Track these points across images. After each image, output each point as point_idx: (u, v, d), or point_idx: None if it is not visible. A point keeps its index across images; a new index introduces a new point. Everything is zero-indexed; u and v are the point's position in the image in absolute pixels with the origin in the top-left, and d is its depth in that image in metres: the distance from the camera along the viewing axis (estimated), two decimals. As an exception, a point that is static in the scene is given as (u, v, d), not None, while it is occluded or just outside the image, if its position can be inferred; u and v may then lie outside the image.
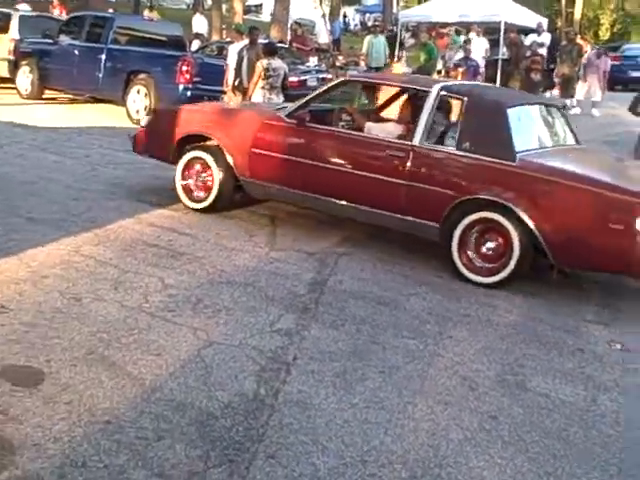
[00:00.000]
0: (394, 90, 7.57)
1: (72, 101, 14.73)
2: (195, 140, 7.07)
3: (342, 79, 7.75)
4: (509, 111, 6.02)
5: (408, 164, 5.99)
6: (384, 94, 7.88)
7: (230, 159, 6.83)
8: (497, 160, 5.73)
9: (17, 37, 15.07)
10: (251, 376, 4.00)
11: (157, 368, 3.98)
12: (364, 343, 4.59)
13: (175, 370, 3.98)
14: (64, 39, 14.13)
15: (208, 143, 7.02)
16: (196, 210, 7.05)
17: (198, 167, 7.02)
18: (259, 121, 6.85)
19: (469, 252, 5.86)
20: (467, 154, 5.85)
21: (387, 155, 6.12)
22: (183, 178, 7.10)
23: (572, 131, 6.97)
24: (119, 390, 3.71)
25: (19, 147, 9.38)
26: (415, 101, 6.74)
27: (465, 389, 4.09)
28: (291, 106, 6.91)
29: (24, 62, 14.46)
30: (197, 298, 5.01)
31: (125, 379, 3.82)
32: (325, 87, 7.14)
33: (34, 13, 17.01)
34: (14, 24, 15.39)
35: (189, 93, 12.04)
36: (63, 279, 5.09)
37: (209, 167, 6.93)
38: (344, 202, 6.33)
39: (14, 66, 14.64)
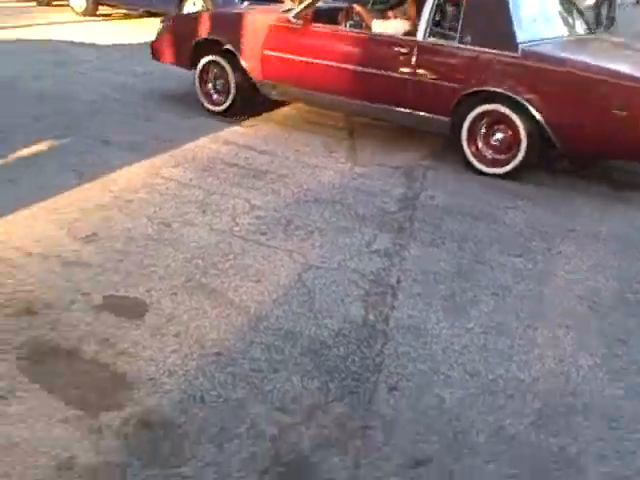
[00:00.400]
0: None
1: (126, 17, 14.38)
2: (211, 45, 7.12)
3: None
4: (510, 0, 5.83)
5: (413, 60, 6.04)
6: None
7: (243, 62, 6.96)
8: (499, 52, 5.72)
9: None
10: (357, 301, 3.83)
11: (259, 295, 3.83)
12: (468, 262, 4.37)
13: (278, 297, 3.83)
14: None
15: (223, 47, 7.07)
16: (216, 113, 7.21)
17: (215, 71, 7.19)
18: (268, 23, 6.89)
19: (479, 144, 5.95)
20: (469, 47, 5.85)
21: (392, 52, 6.15)
22: (201, 83, 7.28)
23: (584, 20, 6.89)
24: (224, 319, 3.58)
25: (81, 67, 9.16)
26: None
27: (585, 310, 3.87)
28: (298, 7, 6.92)
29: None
30: (287, 219, 4.83)
31: (229, 308, 3.69)
32: None
33: None
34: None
35: (245, 3, 11.61)
36: (148, 203, 4.94)
37: (225, 71, 7.07)
38: (357, 100, 6.45)
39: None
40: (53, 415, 2.84)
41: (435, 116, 6.05)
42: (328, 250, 4.41)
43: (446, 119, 6.00)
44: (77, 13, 13.96)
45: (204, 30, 7.20)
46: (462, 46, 5.87)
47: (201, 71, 7.26)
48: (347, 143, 6.64)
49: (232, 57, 7.00)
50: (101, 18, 14.02)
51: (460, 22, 5.90)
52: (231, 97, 7.12)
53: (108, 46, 10.82)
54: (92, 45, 10.79)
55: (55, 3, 14.88)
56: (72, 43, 10.84)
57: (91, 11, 13.90)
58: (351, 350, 3.39)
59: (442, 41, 6.01)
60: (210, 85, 7.27)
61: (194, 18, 7.53)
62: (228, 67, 7.04)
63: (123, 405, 2.93)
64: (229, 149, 6.22)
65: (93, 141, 6.20)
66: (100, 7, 14.02)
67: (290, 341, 3.43)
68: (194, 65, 7.30)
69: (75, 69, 8.91)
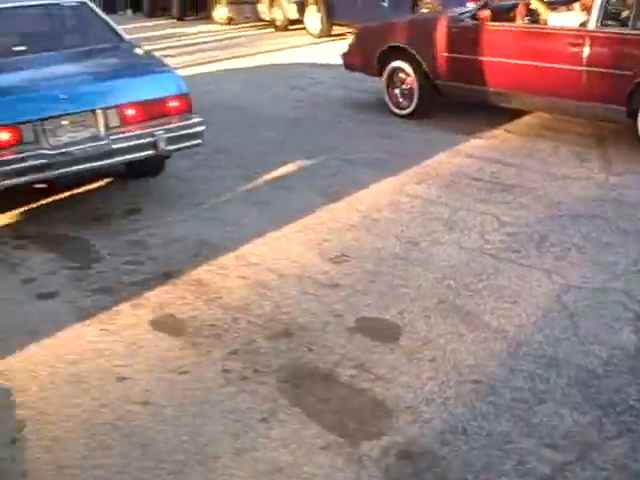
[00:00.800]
0: None
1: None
2: (395, 52, 7.40)
3: None
4: None
5: (586, 50, 5.91)
6: None
7: (425, 65, 7.15)
8: None
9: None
10: (626, 326, 3.50)
11: (516, 317, 3.62)
12: None
13: (537, 320, 3.60)
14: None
15: (406, 53, 7.31)
16: (402, 117, 7.47)
17: (400, 76, 7.45)
18: (444, 26, 7.06)
19: None
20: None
21: (567, 43, 6.06)
22: (388, 88, 7.58)
23: None
24: (481, 344, 3.41)
25: (318, 87, 9.41)
26: None
27: None
28: (473, 7, 7.12)
29: (311, 1, 14.60)
30: (540, 235, 4.56)
31: (485, 331, 3.51)
32: None
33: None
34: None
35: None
36: (395, 222, 4.90)
37: (409, 75, 7.33)
38: (537, 95, 6.43)
39: (301, 7, 14.85)
40: (314, 441, 2.83)
41: (611, 105, 5.93)
42: (589, 269, 4.09)
43: (622, 108, 5.84)
44: (313, 35, 14.45)
45: (388, 38, 7.53)
46: (635, 32, 5.70)
47: (387, 77, 7.57)
48: (598, 151, 6.19)
49: (414, 61, 7.24)
50: (336, 38, 14.39)
51: (634, 7, 5.75)
52: (415, 100, 7.35)
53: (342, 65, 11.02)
54: (328, 65, 11.03)
55: (292, 27, 15.50)
56: (309, 65, 11.20)
57: (326, 32, 14.32)
58: (625, 381, 3.08)
59: (615, 29, 5.86)
60: (397, 90, 7.53)
61: (378, 28, 7.94)
62: (411, 71, 7.28)
63: (382, 434, 2.85)
64: (472, 162, 6.04)
65: (338, 160, 6.30)
66: (334, 27, 14.39)
67: (554, 369, 3.19)
68: (381, 73, 7.63)
69: (313, 90, 9.16)
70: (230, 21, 17.78)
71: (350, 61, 8.13)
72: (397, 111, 7.54)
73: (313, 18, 14.53)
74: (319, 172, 6.02)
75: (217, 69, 11.45)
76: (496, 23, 6.71)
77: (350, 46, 8.14)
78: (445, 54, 7.00)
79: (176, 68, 11.12)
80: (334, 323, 3.68)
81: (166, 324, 3.78)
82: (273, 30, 15.84)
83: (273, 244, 4.68)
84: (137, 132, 5.18)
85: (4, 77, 5.33)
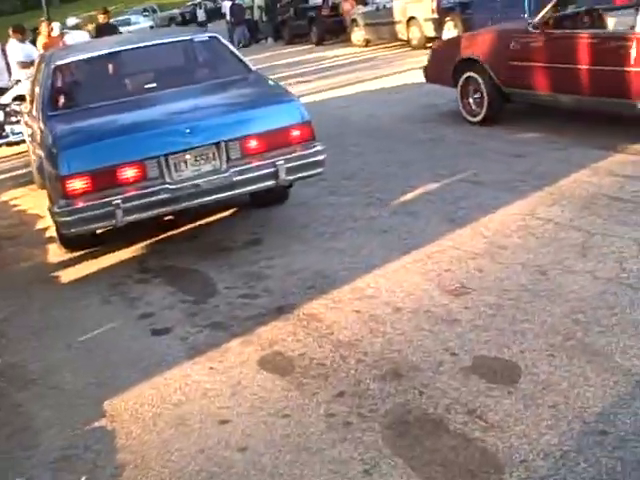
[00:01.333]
0: None
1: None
2: (468, 63, 7.87)
3: None
4: None
5: (633, 51, 6.02)
6: None
7: (492, 74, 7.57)
8: None
9: (437, -5, 15.04)
10: None
11: (653, 358, 3.24)
12: None
13: (677, 361, 3.20)
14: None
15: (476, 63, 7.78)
16: (474, 123, 7.86)
17: (472, 86, 7.87)
18: (509, 36, 7.49)
19: None
20: None
21: (618, 46, 6.23)
22: (462, 97, 8.03)
23: None
24: (611, 389, 3.06)
25: (456, 105, 9.09)
26: None
27: None
28: (536, 18, 7.31)
29: (448, 18, 14.36)
30: (688, 263, 4.11)
31: (616, 374, 3.16)
32: None
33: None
34: (435, -19, 15.40)
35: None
36: (523, 249, 4.58)
37: (480, 84, 7.72)
38: (593, 97, 6.59)
39: (438, 24, 14.63)
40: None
41: None
42: None
43: None
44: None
45: (460, 51, 8.09)
46: None
47: (461, 88, 8.01)
48: None
49: (484, 71, 7.67)
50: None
51: None
52: (485, 108, 7.77)
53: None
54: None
55: (429, 45, 15.24)
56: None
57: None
58: None
59: None
60: (470, 99, 7.97)
61: (451, 42, 8.70)
62: (481, 80, 7.69)
63: (491, 491, 2.59)
64: (612, 181, 5.59)
65: (466, 182, 6.03)
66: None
67: None
68: (456, 84, 8.07)
69: (446, 108, 8.85)
70: (367, 43, 17.81)
71: (430, 74, 8.75)
72: (470, 118, 7.99)
73: (451, 35, 14.24)
74: (445, 196, 5.78)
75: (351, 92, 11.41)
76: (551, 30, 7.01)
77: (429, 60, 8.79)
78: (509, 62, 7.41)
79: (311, 92, 11.34)
80: (448, 362, 3.44)
81: (274, 362, 3.67)
82: (410, 49, 15.68)
83: (391, 275, 4.49)
84: (258, 163, 5.14)
85: (133, 114, 5.46)
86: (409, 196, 5.94)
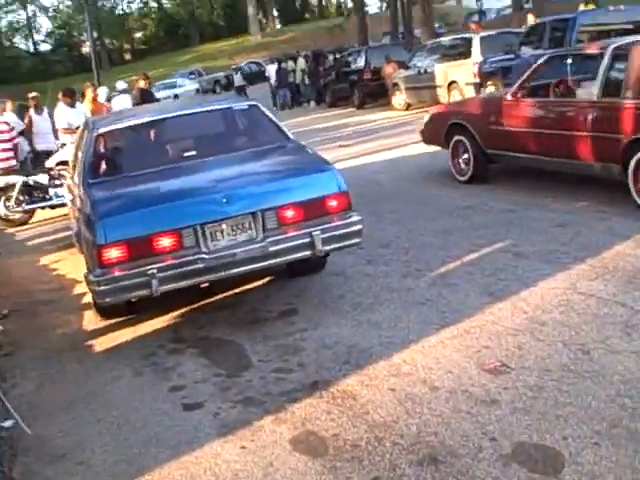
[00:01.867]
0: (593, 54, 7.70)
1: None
2: (457, 127, 8.75)
3: (550, 55, 8.38)
4: None
5: (590, 117, 6.83)
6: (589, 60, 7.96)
7: (477, 137, 8.42)
8: None
9: (479, 59, 15.13)
10: None
11: None
12: None
13: None
14: (526, 51, 13.65)
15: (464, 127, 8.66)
16: (462, 182, 8.65)
17: (461, 148, 8.73)
18: (490, 104, 8.69)
19: None
20: (628, 101, 6.51)
21: (578, 113, 7.05)
22: (452, 158, 8.88)
23: None
24: (660, 483, 2.90)
25: (500, 171, 9.03)
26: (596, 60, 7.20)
27: None
28: (513, 87, 8.27)
29: (489, 82, 14.40)
30: None
31: (666, 466, 2.99)
32: (535, 66, 8.10)
33: (493, 32, 16.95)
34: (475, 47, 15.54)
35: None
36: (564, 326, 4.44)
37: (467, 146, 8.57)
38: (560, 158, 7.32)
39: (479, 88, 14.68)
40: None
41: (611, 164, 6.70)
42: None
43: (618, 166, 6.59)
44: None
45: (450, 117, 9.00)
46: (622, 101, 6.56)
47: (452, 149, 8.86)
48: None
49: (470, 134, 8.52)
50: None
51: (624, 80, 6.63)
52: (472, 167, 8.57)
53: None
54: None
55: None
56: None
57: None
58: None
59: (608, 98, 6.74)
60: (460, 160, 8.77)
61: (444, 109, 9.72)
62: (468, 143, 8.55)
63: None
64: (659, 254, 5.44)
65: (505, 253, 5.92)
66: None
67: None
68: (448, 145, 8.92)
69: (488, 175, 8.81)
70: (408, 106, 17.92)
71: (426, 136, 9.69)
72: (459, 177, 8.81)
73: (491, 99, 14.31)
74: (484, 267, 5.67)
75: (389, 157, 11.43)
76: (524, 99, 7.86)
77: (426, 124, 9.64)
78: (490, 127, 8.24)
79: (350, 157, 11.37)
80: (487, 449, 3.30)
81: (307, 442, 3.57)
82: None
83: (428, 351, 4.37)
84: (294, 233, 5.09)
85: (171, 183, 5.49)
86: (447, 267, 5.84)
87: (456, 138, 8.78)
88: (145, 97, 12.57)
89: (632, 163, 6.40)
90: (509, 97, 8.05)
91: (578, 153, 7.04)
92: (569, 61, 7.54)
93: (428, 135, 9.65)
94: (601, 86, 6.83)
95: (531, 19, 18.82)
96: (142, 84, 13.19)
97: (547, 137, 7.46)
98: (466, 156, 8.68)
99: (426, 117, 9.77)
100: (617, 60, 6.87)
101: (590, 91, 7.06)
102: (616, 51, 6.90)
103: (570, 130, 7.12)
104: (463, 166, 8.76)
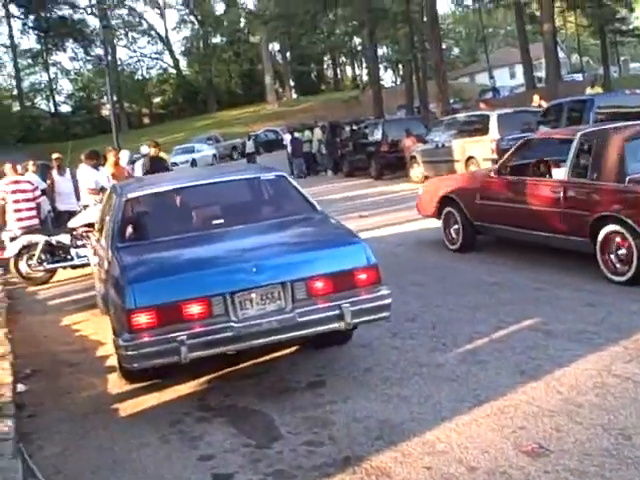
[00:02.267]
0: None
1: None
2: (448, 200, 9.42)
3: (527, 139, 9.09)
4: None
5: (561, 195, 7.53)
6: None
7: (465, 210, 9.04)
8: (612, 184, 7.05)
9: (497, 136, 15.30)
10: None
11: None
12: None
13: None
14: (544, 130, 13.81)
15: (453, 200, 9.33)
16: (452, 250, 9.29)
17: (452, 219, 9.34)
18: (476, 179, 9.44)
19: (609, 256, 7.00)
20: (593, 182, 7.23)
21: (552, 191, 7.73)
22: (445, 228, 9.52)
23: None
24: None
25: (527, 248, 9.03)
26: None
27: None
28: (497, 165, 9.14)
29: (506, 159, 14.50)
30: None
31: None
32: (516, 146, 8.89)
33: (511, 110, 17.19)
34: (493, 124, 15.73)
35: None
36: (601, 409, 4.35)
37: (456, 217, 9.21)
38: (537, 232, 7.94)
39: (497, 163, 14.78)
40: None
41: (580, 239, 7.30)
42: None
43: (586, 240, 7.19)
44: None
45: (443, 189, 9.61)
46: (588, 181, 7.26)
47: (444, 219, 9.50)
48: None
49: (458, 206, 9.13)
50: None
51: (589, 163, 7.33)
52: (461, 237, 9.17)
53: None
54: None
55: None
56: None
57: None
58: None
59: (575, 179, 7.44)
60: (451, 230, 9.37)
61: (437, 182, 10.54)
62: (457, 214, 9.16)
63: None
64: (691, 337, 5.38)
65: (535, 332, 5.86)
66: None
67: None
68: (440, 216, 9.57)
69: (517, 249, 8.79)
70: (425, 179, 18.01)
71: (420, 208, 10.29)
72: (450, 246, 9.40)
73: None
74: (514, 345, 5.60)
75: (409, 229, 11.43)
76: (506, 176, 8.51)
77: (420, 196, 10.31)
78: (475, 201, 8.86)
79: (368, 228, 11.39)
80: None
81: (341, 522, 3.47)
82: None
83: (462, 429, 4.29)
84: (323, 305, 5.08)
85: (200, 250, 5.49)
86: (475, 343, 5.78)
87: (447, 210, 9.42)
88: (154, 165, 12.46)
89: (599, 238, 7.01)
90: (492, 174, 8.80)
91: (554, 227, 7.66)
92: (546, 144, 8.47)
93: (422, 207, 10.25)
94: (571, 168, 7.54)
95: (536, 99, 19.29)
96: (152, 152, 13.21)
97: (526, 212, 8.05)
98: (456, 226, 9.28)
99: (420, 190, 10.52)
100: (584, 145, 7.55)
101: (562, 172, 7.77)
102: (583, 137, 7.60)
103: (546, 206, 7.78)
104: (454, 235, 9.37)
